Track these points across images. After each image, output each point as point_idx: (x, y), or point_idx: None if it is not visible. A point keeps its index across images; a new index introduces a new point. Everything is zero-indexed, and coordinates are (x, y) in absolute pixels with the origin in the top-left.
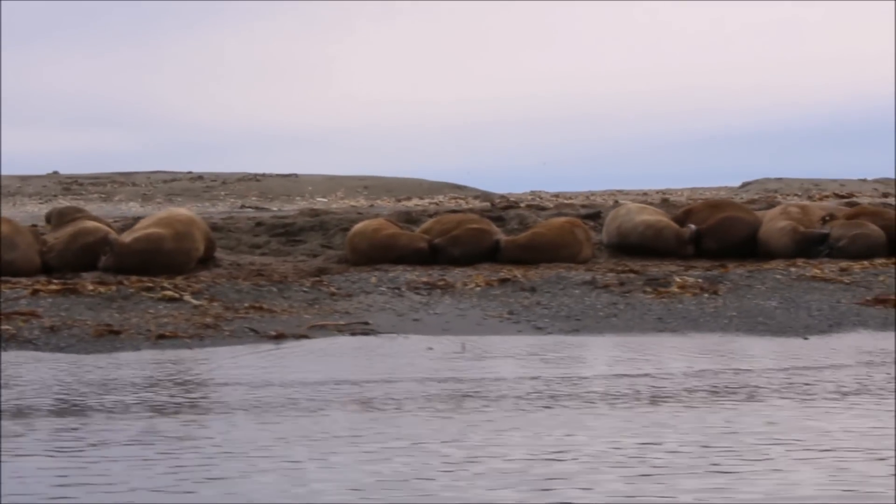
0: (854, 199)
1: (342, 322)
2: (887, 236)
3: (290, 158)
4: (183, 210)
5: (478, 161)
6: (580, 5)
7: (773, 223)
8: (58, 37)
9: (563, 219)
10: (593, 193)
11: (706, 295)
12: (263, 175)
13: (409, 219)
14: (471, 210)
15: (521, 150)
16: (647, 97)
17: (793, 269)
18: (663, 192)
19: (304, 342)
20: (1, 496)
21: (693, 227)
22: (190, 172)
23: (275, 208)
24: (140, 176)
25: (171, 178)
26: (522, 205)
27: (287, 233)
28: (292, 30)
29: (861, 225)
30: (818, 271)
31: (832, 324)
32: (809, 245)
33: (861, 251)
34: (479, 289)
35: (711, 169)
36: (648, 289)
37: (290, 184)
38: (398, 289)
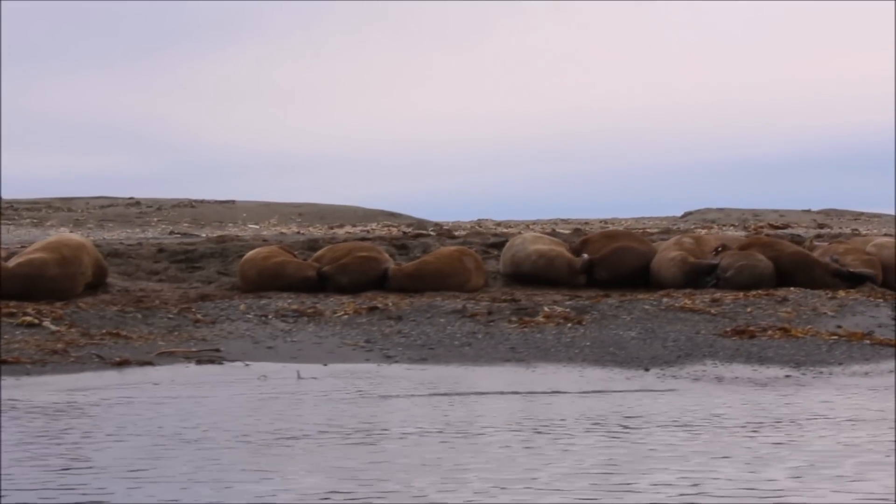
0: (786, 230)
1: (194, 349)
2: (778, 267)
3: (264, 183)
4: (74, 236)
5: (431, 189)
6: (534, 37)
7: (665, 254)
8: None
9: (452, 248)
10: (537, 222)
11: (569, 325)
12: (200, 201)
13: (314, 247)
14: (382, 238)
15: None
16: (596, 130)
17: (665, 300)
18: (608, 221)
19: (148, 369)
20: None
21: (585, 256)
22: (132, 198)
23: (203, 235)
24: (79, 201)
25: (108, 204)
26: (433, 233)
27: (188, 259)
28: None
29: (749, 256)
30: (688, 302)
31: (681, 355)
32: (698, 276)
33: (747, 282)
34: (346, 316)
35: (658, 199)
36: (514, 318)
37: (225, 210)
38: (265, 316)
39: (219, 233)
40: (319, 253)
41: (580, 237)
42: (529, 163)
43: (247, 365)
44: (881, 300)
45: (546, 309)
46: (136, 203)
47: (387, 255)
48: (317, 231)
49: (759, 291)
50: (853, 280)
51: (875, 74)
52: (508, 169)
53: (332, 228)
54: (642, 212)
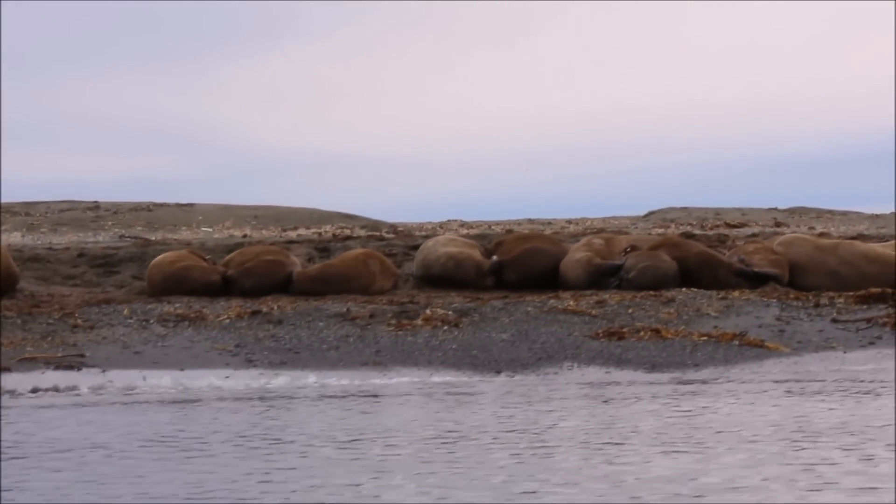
0: (741, 229)
1: (59, 354)
2: (684, 267)
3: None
4: None
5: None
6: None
7: (572, 255)
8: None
9: (359, 251)
10: (500, 222)
11: (446, 328)
12: (158, 204)
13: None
14: (310, 241)
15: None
16: (563, 132)
17: (551, 302)
18: (574, 221)
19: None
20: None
21: (495, 258)
22: (96, 202)
23: (153, 237)
24: (41, 206)
25: (68, 208)
26: (362, 235)
27: (106, 264)
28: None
29: (652, 256)
30: (572, 304)
31: (542, 357)
32: (602, 276)
33: (649, 282)
34: (228, 321)
35: (624, 198)
36: (394, 321)
37: (182, 213)
38: (146, 321)
39: (171, 236)
40: (229, 257)
41: (495, 240)
42: (507, 164)
43: (104, 371)
44: (774, 300)
45: (427, 312)
46: (96, 206)
47: (294, 259)
48: (269, 234)
49: (647, 293)
50: (757, 280)
51: (874, 74)
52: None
53: (284, 231)
54: (610, 211)
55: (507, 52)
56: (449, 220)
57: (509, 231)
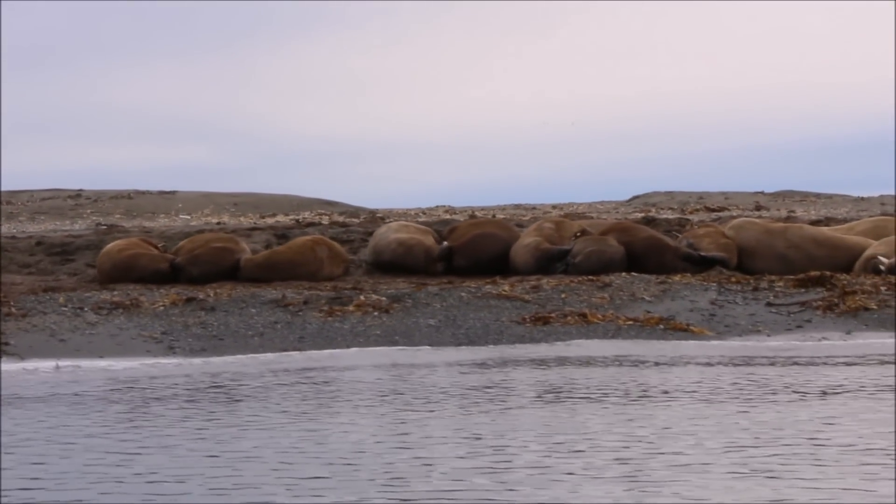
0: (721, 213)
1: None
2: (632, 252)
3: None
4: None
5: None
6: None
7: (522, 240)
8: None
9: (307, 237)
10: (489, 208)
11: (376, 313)
12: (141, 192)
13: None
14: (272, 227)
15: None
16: (557, 121)
17: (486, 287)
18: (559, 206)
19: None
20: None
21: (445, 244)
22: (80, 190)
23: (127, 225)
24: (24, 194)
25: (50, 196)
26: (324, 222)
27: (63, 252)
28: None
29: (599, 241)
30: (507, 289)
31: (463, 342)
32: (549, 261)
33: (595, 267)
34: (162, 308)
35: (614, 183)
36: (326, 307)
37: (162, 201)
38: (81, 308)
39: (148, 223)
40: (180, 244)
41: (450, 226)
42: (497, 152)
43: (21, 359)
44: (714, 284)
45: (361, 298)
46: (78, 195)
47: (244, 246)
48: (247, 221)
49: (584, 278)
50: (704, 263)
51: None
52: (480, 157)
53: (262, 217)
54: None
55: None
56: (437, 206)
57: (473, 216)
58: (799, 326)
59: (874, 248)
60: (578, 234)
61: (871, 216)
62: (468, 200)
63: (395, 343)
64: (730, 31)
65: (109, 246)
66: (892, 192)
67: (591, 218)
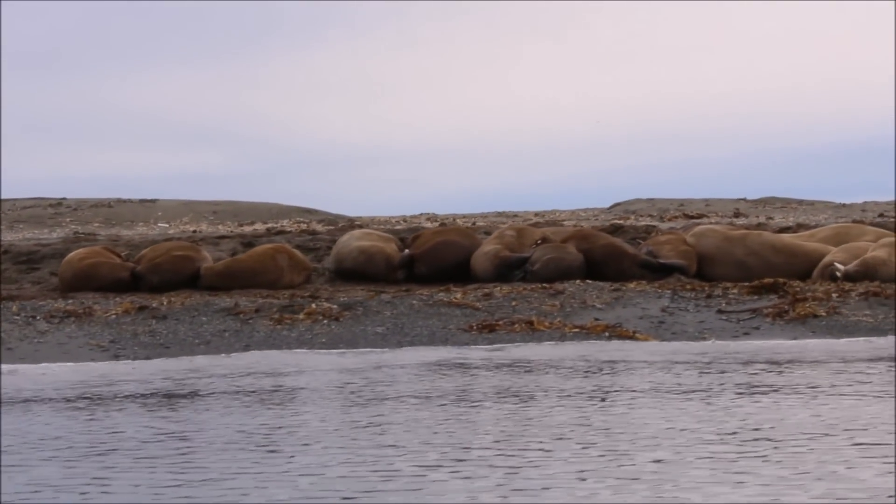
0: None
1: None
2: (591, 259)
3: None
4: None
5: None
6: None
7: (482, 248)
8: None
9: (268, 245)
10: (471, 216)
11: (326, 321)
12: (123, 201)
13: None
14: (242, 235)
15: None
16: (537, 129)
17: (439, 295)
18: (540, 213)
19: None
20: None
21: (406, 252)
22: (64, 199)
23: (102, 234)
24: (7, 203)
25: (32, 205)
26: (292, 230)
27: (29, 261)
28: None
29: (558, 248)
30: (459, 296)
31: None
32: (508, 269)
33: (553, 274)
34: (114, 316)
35: (595, 190)
36: (277, 315)
37: (142, 210)
38: (33, 317)
39: (126, 232)
40: (142, 253)
41: (414, 234)
42: (481, 162)
43: None
44: (668, 291)
45: (313, 306)
46: (59, 203)
47: (205, 254)
48: (224, 228)
49: (537, 285)
50: (663, 271)
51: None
52: (462, 167)
53: (240, 226)
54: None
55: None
56: (420, 214)
57: (441, 224)
58: (746, 333)
59: (832, 254)
60: (539, 241)
61: (843, 223)
62: (476, 206)
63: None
64: (723, 34)
65: (71, 255)
66: (876, 199)
67: (563, 226)
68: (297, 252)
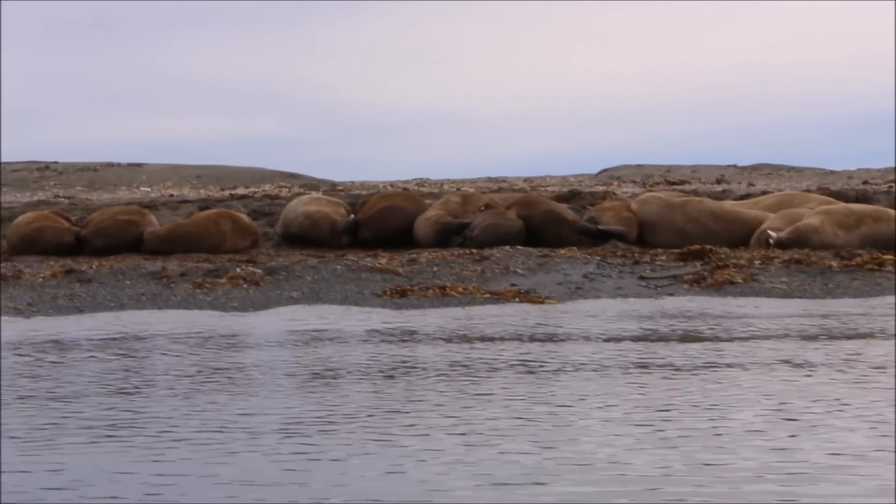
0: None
1: None
2: (531, 225)
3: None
4: None
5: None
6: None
7: (425, 213)
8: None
9: (212, 210)
10: (462, 181)
11: (245, 286)
12: (110, 164)
13: None
14: (203, 199)
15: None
16: (531, 102)
17: (366, 260)
18: (530, 179)
19: None
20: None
21: (351, 217)
22: (56, 163)
23: (85, 196)
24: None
25: (21, 168)
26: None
27: None
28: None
29: (497, 215)
30: (384, 261)
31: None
32: (448, 234)
33: (491, 240)
34: (42, 280)
35: (585, 155)
36: (199, 279)
37: (127, 173)
38: None
39: (107, 196)
40: (90, 217)
41: (361, 200)
42: (471, 129)
43: None
44: (597, 257)
45: (237, 270)
46: (46, 167)
47: (151, 219)
48: (207, 192)
49: (463, 251)
50: (602, 237)
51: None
52: (453, 133)
53: (223, 190)
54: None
55: None
56: (416, 178)
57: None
58: (660, 299)
59: (770, 221)
60: (482, 207)
61: (790, 191)
62: (512, 171)
63: (233, 309)
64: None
65: (18, 219)
66: (869, 167)
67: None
68: (243, 217)
